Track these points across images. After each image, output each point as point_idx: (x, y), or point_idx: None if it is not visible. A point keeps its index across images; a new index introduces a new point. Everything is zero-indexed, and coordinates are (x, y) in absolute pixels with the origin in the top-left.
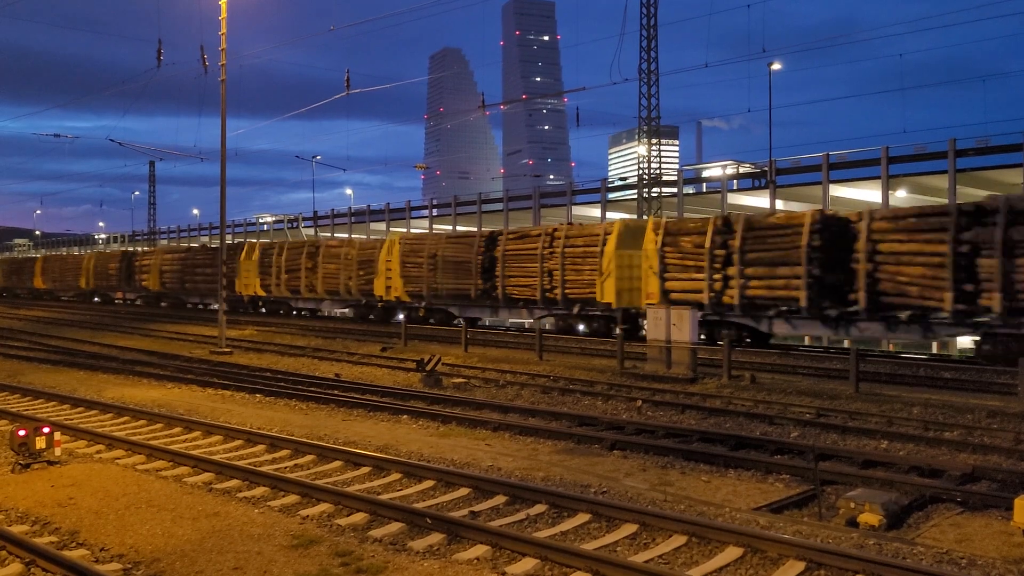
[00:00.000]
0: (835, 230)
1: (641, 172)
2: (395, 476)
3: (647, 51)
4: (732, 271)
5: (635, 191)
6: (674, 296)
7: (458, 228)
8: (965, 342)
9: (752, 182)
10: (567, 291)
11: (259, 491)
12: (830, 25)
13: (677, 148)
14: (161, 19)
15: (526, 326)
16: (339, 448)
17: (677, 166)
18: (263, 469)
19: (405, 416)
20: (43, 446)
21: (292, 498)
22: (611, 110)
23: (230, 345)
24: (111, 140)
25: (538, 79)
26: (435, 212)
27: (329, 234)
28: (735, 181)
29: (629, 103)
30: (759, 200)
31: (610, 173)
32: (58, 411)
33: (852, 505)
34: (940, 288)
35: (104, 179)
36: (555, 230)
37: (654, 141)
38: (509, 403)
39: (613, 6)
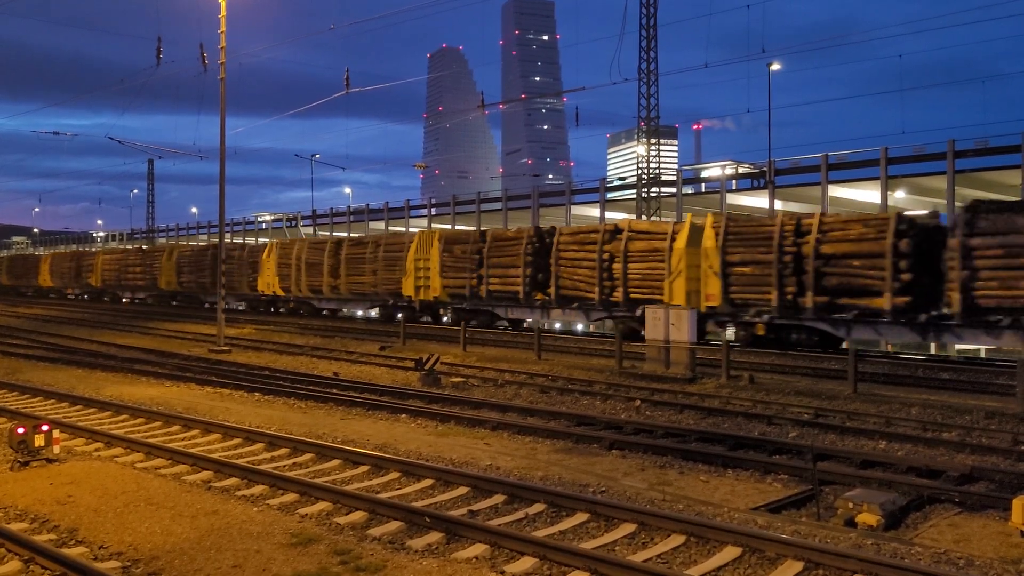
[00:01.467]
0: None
1: (640, 172)
2: (394, 475)
3: (646, 51)
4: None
5: (634, 191)
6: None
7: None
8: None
9: (751, 182)
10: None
11: (258, 489)
12: (828, 25)
13: (676, 148)
14: (160, 17)
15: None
16: (338, 447)
17: (676, 166)
18: (262, 467)
19: (404, 415)
20: (42, 444)
21: (291, 496)
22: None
23: (229, 343)
24: (110, 138)
25: (537, 79)
26: (434, 211)
27: (334, 232)
28: (734, 181)
29: (628, 103)
30: (758, 200)
31: (609, 173)
32: (56, 409)
33: (850, 505)
34: None
35: (103, 177)
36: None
37: (653, 141)
38: (508, 402)
39: (613, 6)
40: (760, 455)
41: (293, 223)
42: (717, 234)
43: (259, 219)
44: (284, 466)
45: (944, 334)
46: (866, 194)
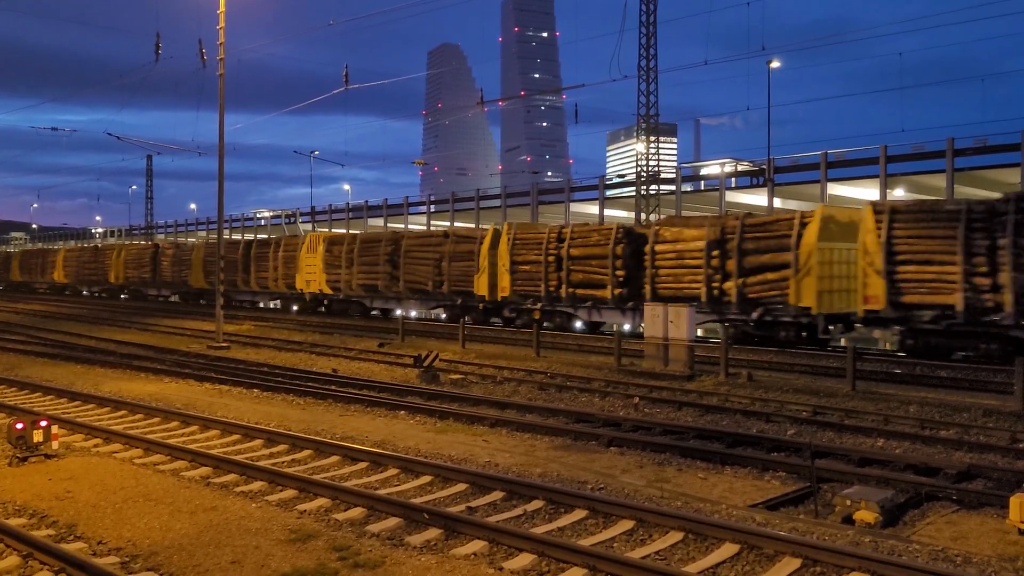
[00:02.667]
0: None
1: (639, 169)
2: (392, 471)
3: (646, 48)
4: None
5: (633, 189)
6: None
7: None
8: None
9: (750, 180)
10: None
11: (257, 485)
12: (827, 22)
13: (675, 146)
14: (159, 13)
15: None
16: (337, 443)
17: (675, 164)
18: (261, 463)
19: (402, 411)
20: (40, 439)
21: (290, 492)
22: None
23: (227, 340)
24: (109, 134)
25: (537, 76)
26: (433, 208)
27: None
28: (733, 179)
29: (628, 100)
30: (757, 198)
31: (608, 170)
32: (55, 404)
33: (848, 502)
34: None
35: (101, 173)
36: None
37: (652, 138)
38: (506, 399)
39: (612, 3)
40: (758, 452)
41: (292, 219)
42: (509, 240)
43: (258, 216)
44: (283, 462)
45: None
46: (865, 192)
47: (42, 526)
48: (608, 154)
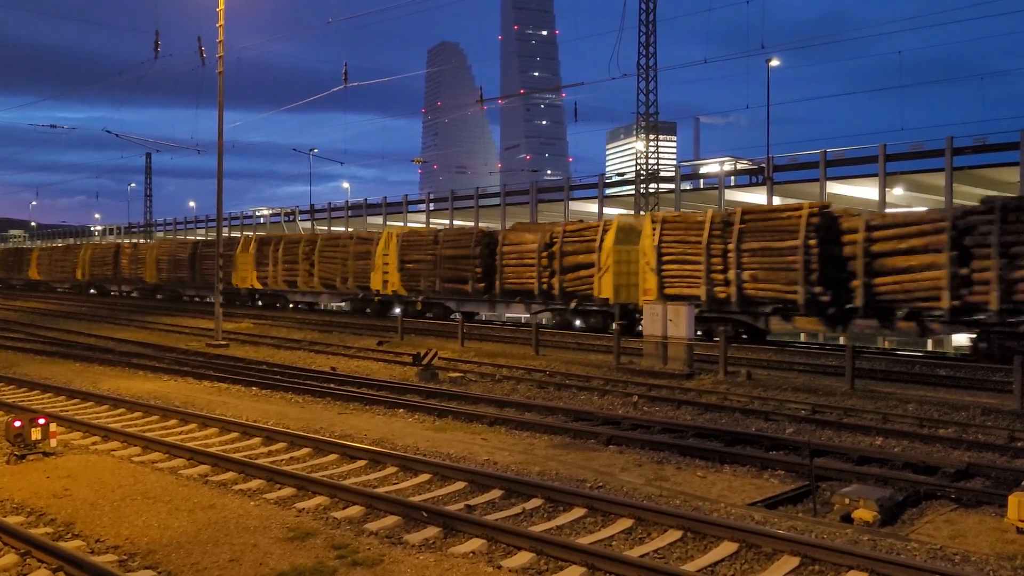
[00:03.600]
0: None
1: (639, 168)
2: (391, 469)
3: (645, 46)
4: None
5: (633, 187)
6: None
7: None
8: (962, 340)
9: (749, 178)
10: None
11: (255, 483)
12: (827, 21)
13: (675, 144)
14: (158, 10)
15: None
16: (335, 441)
17: (675, 162)
18: (259, 462)
19: (401, 410)
20: (38, 437)
21: (288, 491)
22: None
23: (226, 338)
24: (108, 132)
25: (536, 74)
26: (432, 206)
27: (333, 227)
28: (732, 177)
29: (627, 98)
30: (756, 197)
31: (608, 169)
32: (54, 402)
33: (847, 501)
34: None
35: (100, 171)
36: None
37: (652, 137)
38: (505, 398)
39: (612, 1)
40: (757, 451)
41: (291, 217)
42: (399, 241)
43: (257, 214)
44: (281, 460)
45: (496, 305)
46: (864, 191)
47: (40, 524)
48: (608, 152)
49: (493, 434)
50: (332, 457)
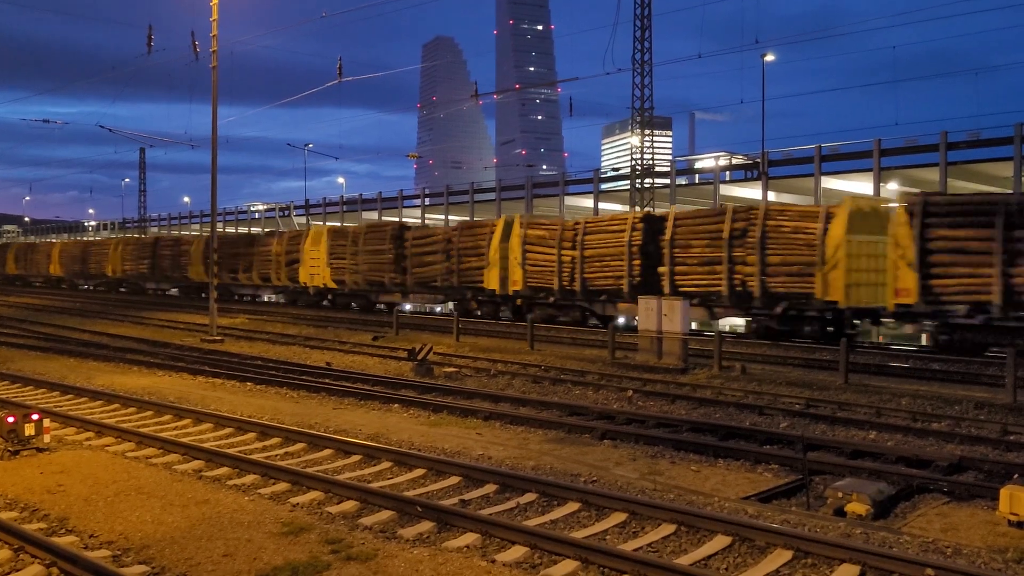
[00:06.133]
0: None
1: (634, 163)
2: (386, 464)
3: (640, 41)
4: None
5: (628, 182)
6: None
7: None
8: None
9: (744, 173)
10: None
11: (249, 479)
12: (819, 14)
13: (670, 139)
14: (151, 4)
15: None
16: (330, 436)
17: (670, 157)
18: (253, 457)
19: (396, 405)
20: (32, 433)
21: (282, 486)
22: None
23: (221, 333)
24: (101, 126)
25: (531, 68)
26: (428, 202)
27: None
28: (727, 172)
29: (622, 93)
30: (752, 192)
31: (603, 163)
32: (47, 398)
33: (840, 495)
34: None
35: (93, 166)
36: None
37: (647, 132)
38: (500, 392)
39: None
40: (751, 445)
41: (286, 213)
42: (329, 238)
43: (252, 209)
44: (276, 455)
45: (408, 295)
46: (859, 186)
47: (34, 519)
48: (603, 147)
49: (488, 429)
50: (327, 452)
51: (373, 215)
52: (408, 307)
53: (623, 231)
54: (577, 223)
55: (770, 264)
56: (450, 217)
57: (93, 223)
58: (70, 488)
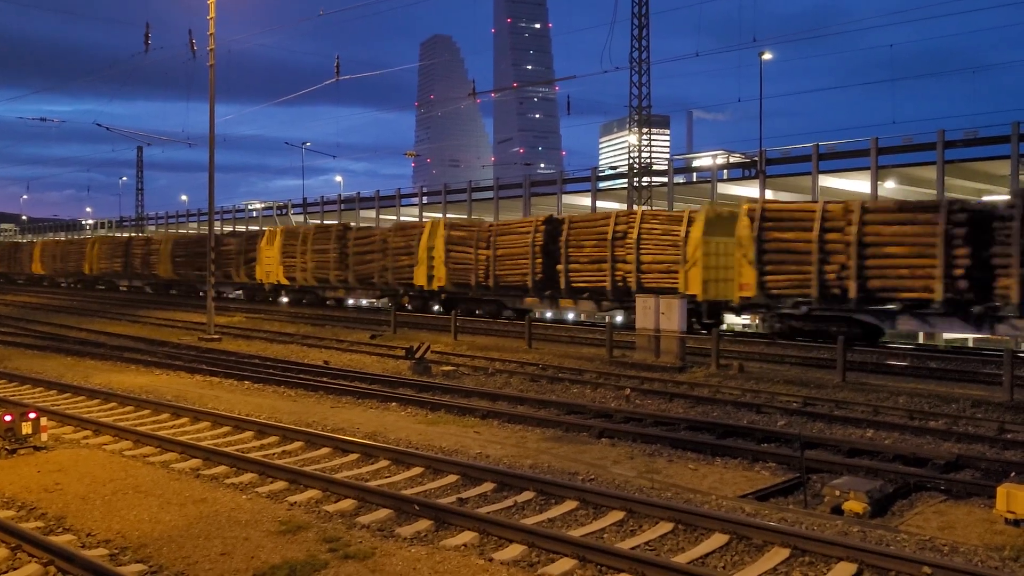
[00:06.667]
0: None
1: (632, 161)
2: (383, 463)
3: (638, 39)
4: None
5: (626, 180)
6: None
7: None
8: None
9: (742, 172)
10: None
11: (247, 477)
12: (816, 12)
13: (668, 137)
14: (148, 2)
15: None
16: (327, 435)
17: (668, 155)
18: (251, 455)
19: (394, 403)
20: (29, 431)
21: (280, 484)
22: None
23: (219, 332)
24: (98, 125)
25: (529, 67)
26: (425, 200)
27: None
28: (725, 171)
29: (620, 92)
30: (749, 190)
31: (601, 162)
32: (45, 396)
33: (837, 493)
34: None
35: (91, 164)
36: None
37: (644, 130)
38: (498, 391)
39: None
40: (748, 443)
41: (284, 211)
42: (281, 238)
43: (249, 207)
44: (273, 454)
45: (351, 291)
46: (856, 184)
47: (31, 518)
48: (601, 146)
49: (486, 427)
50: (324, 451)
51: (371, 214)
52: (351, 302)
53: (529, 233)
54: (492, 225)
55: (644, 262)
56: (428, 215)
57: (90, 222)
58: (67, 487)
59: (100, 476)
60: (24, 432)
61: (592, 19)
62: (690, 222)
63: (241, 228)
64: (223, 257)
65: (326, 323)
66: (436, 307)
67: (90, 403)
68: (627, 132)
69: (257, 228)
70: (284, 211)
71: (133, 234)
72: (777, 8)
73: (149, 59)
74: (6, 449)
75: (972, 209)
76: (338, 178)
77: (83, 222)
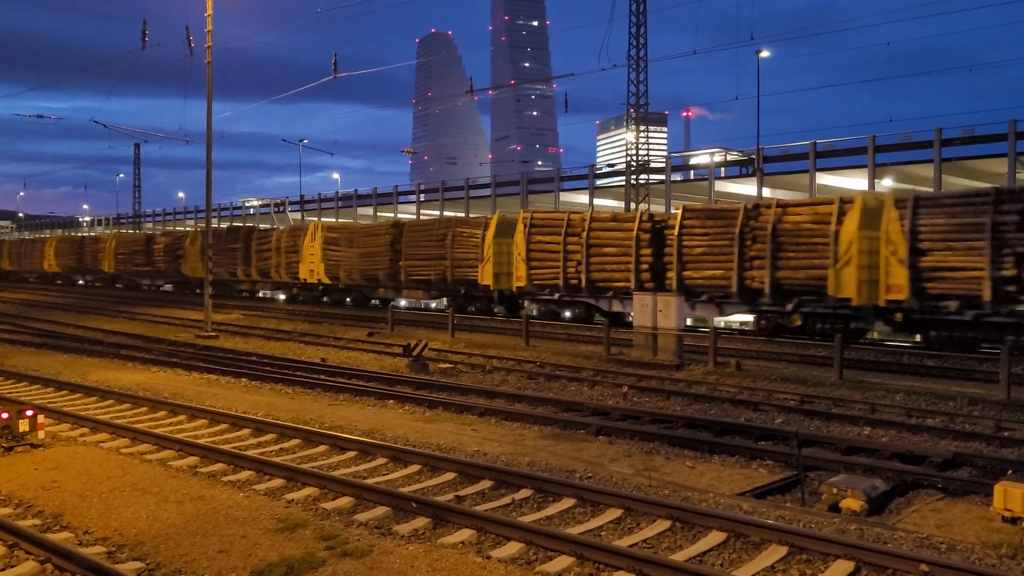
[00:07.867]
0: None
1: (629, 159)
2: (381, 460)
3: (636, 37)
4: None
5: (623, 178)
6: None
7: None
8: None
9: (740, 170)
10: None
11: (244, 475)
12: (813, 10)
13: (665, 135)
14: None
15: None
16: (325, 432)
17: (665, 153)
18: (248, 453)
19: (391, 401)
20: (26, 429)
21: (277, 482)
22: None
23: (216, 329)
24: (95, 122)
25: (527, 64)
26: (423, 197)
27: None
28: (723, 169)
29: (617, 89)
30: (747, 188)
31: (598, 160)
32: (42, 394)
33: (835, 491)
34: None
35: (87, 161)
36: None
37: (642, 128)
38: (495, 388)
39: None
40: (746, 441)
41: (281, 208)
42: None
43: (247, 204)
44: (271, 452)
45: (255, 286)
46: (854, 182)
47: (28, 516)
48: (598, 143)
49: (483, 425)
50: (322, 448)
51: (368, 211)
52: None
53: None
54: (381, 225)
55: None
56: (427, 212)
57: (87, 219)
58: (65, 484)
59: (97, 473)
60: (21, 430)
61: (590, 17)
62: (485, 227)
63: (239, 224)
64: (154, 256)
65: (323, 321)
66: (327, 300)
67: (87, 400)
68: (624, 130)
69: (191, 227)
70: (282, 208)
71: (86, 234)
72: (775, 6)
73: (146, 56)
74: (3, 447)
75: (656, 221)
76: (335, 175)
77: (80, 219)
